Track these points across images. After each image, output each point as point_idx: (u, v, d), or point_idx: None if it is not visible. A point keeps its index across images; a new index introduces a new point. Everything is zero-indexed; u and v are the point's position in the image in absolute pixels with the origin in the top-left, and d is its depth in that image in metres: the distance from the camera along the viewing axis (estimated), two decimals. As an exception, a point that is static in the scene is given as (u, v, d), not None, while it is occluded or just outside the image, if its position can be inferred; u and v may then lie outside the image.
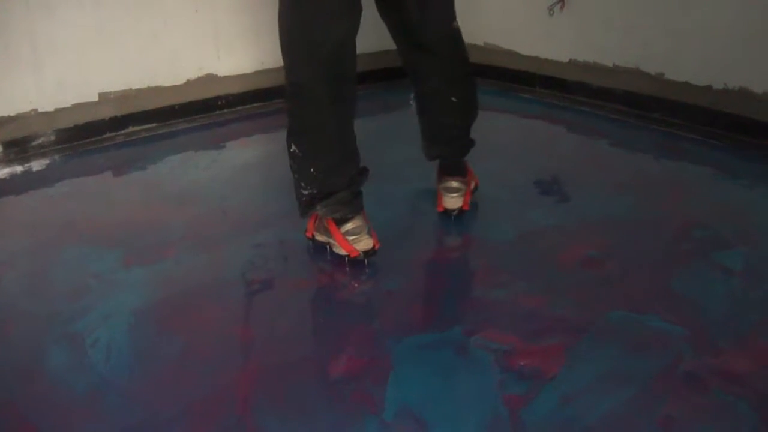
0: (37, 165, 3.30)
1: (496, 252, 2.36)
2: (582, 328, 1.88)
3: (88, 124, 3.57)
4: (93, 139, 3.58)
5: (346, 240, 2.21)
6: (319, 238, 2.35)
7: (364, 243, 2.23)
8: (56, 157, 3.40)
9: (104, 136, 3.61)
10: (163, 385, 1.72)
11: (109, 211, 2.75)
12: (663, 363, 1.73)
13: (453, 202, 2.52)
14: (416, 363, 1.77)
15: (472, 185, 2.64)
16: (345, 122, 2.20)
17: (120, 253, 2.36)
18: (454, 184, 2.51)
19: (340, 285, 2.18)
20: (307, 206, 2.27)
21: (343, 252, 2.23)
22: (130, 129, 3.71)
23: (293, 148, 2.19)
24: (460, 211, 2.54)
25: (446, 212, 2.53)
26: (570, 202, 2.74)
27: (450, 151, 2.56)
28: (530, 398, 1.61)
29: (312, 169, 2.17)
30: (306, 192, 2.22)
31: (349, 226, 2.22)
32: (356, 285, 2.19)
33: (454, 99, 2.42)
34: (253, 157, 3.33)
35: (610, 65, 3.85)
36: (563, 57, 4.10)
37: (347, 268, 2.23)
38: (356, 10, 2.09)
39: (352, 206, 2.23)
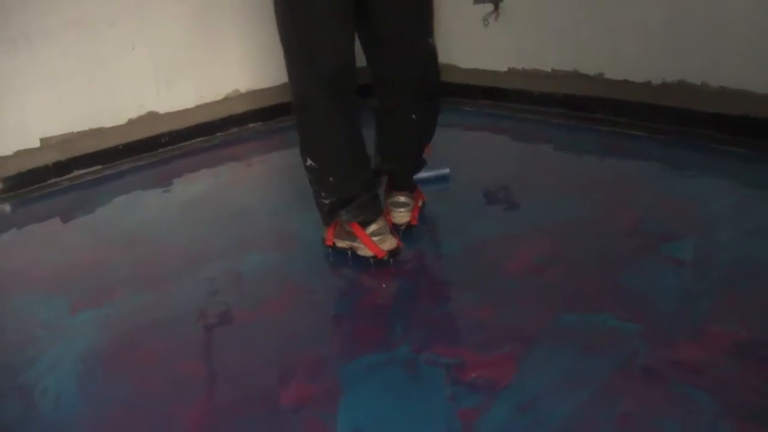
0: (-19, 216, 3.23)
1: (443, 265, 2.36)
2: (533, 335, 1.85)
3: (31, 170, 3.51)
4: (38, 185, 3.52)
5: (373, 241, 2.29)
6: (341, 244, 2.40)
7: (389, 243, 2.30)
8: (1, 206, 3.34)
9: (49, 181, 3.56)
10: (113, 428, 1.68)
11: (57, 258, 2.69)
12: (618, 361, 1.71)
13: (401, 216, 2.52)
14: (366, 385, 1.73)
15: (420, 201, 2.64)
16: (355, 130, 2.28)
17: (67, 299, 2.31)
18: (402, 198, 2.52)
19: (288, 313, 2.13)
20: (329, 214, 2.38)
21: (369, 253, 2.31)
22: (75, 173, 3.65)
23: (309, 162, 2.28)
24: (408, 226, 2.53)
25: (394, 227, 2.50)
26: (517, 209, 2.72)
27: (400, 168, 2.54)
28: (484, 410, 1.58)
29: (331, 179, 2.27)
30: (327, 201, 2.33)
31: (373, 227, 2.30)
32: (304, 311, 2.14)
33: (413, 116, 2.39)
34: (199, 192, 3.29)
35: (549, 70, 3.87)
36: (502, 66, 4.12)
37: (297, 293, 2.21)
38: (351, 24, 2.14)
39: (373, 208, 2.33)
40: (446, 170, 3.05)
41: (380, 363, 1.80)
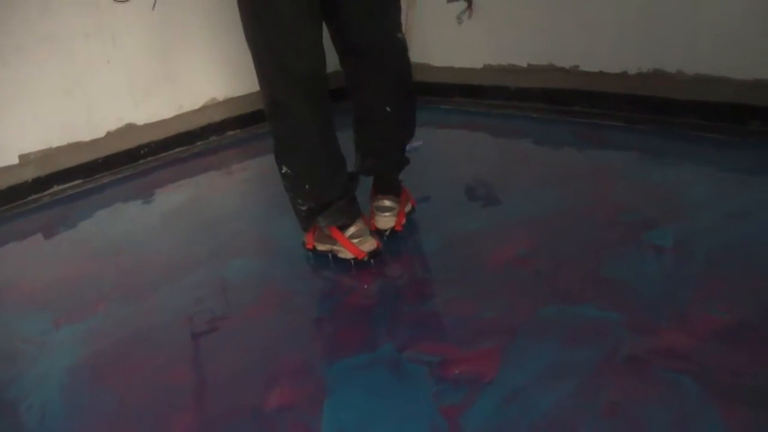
0: (-37, 235, 3.21)
1: (424, 263, 2.36)
2: (515, 328, 1.85)
3: (11, 188, 3.49)
4: (18, 202, 3.50)
5: (352, 243, 2.29)
6: (321, 247, 2.40)
7: (369, 244, 2.31)
8: (-18, 225, 3.32)
9: (29, 198, 3.54)
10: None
11: (39, 273, 2.68)
12: (602, 350, 1.71)
13: (385, 221, 2.48)
14: (350, 386, 1.73)
15: (408, 206, 2.61)
16: (328, 133, 2.26)
17: (50, 314, 2.30)
18: (387, 202, 2.48)
19: (271, 317, 2.12)
20: (307, 220, 2.35)
21: (349, 256, 2.31)
22: (55, 188, 3.64)
23: (284, 169, 2.26)
24: (392, 231, 2.49)
25: (378, 232, 2.48)
26: (498, 204, 2.72)
27: (382, 165, 2.50)
28: (469, 405, 1.57)
29: (307, 186, 2.25)
30: (304, 207, 2.30)
31: (352, 230, 2.31)
32: (287, 315, 2.13)
33: (388, 109, 2.37)
34: (180, 201, 3.28)
35: (525, 65, 3.88)
36: (477, 63, 4.13)
37: (279, 298, 2.20)
38: (318, 29, 2.14)
39: (351, 212, 2.32)
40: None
41: (363, 364, 1.80)
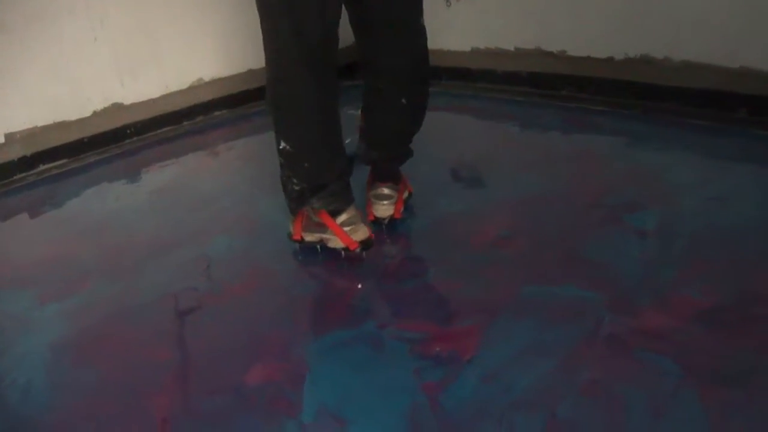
0: (-52, 213, 3.21)
1: (408, 243, 2.36)
2: (496, 307, 1.86)
3: (-4, 166, 3.48)
4: (3, 181, 3.47)
5: (344, 231, 2.18)
6: (309, 238, 2.30)
7: (361, 233, 2.19)
8: (-32, 203, 3.31)
9: (14, 177, 3.51)
10: (81, 417, 1.67)
11: (25, 252, 2.68)
12: (582, 330, 1.72)
13: (384, 210, 2.40)
14: (332, 361, 1.74)
15: (405, 193, 2.53)
16: (333, 113, 2.15)
17: (35, 292, 2.29)
18: (386, 190, 2.40)
19: (255, 295, 2.13)
20: (298, 202, 2.23)
21: (340, 245, 2.20)
22: (41, 167, 3.60)
23: (282, 144, 2.13)
24: (391, 219, 2.42)
25: (376, 221, 2.41)
26: (482, 186, 2.73)
27: (387, 156, 2.43)
28: (449, 382, 1.59)
29: (306, 164, 2.13)
30: (297, 188, 2.17)
31: (344, 217, 2.19)
32: (270, 293, 2.14)
33: (404, 101, 2.27)
34: (167, 181, 3.28)
35: (512, 49, 3.87)
36: (465, 46, 4.11)
37: (263, 276, 2.21)
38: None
39: (345, 197, 2.20)
40: None
41: (346, 340, 1.81)
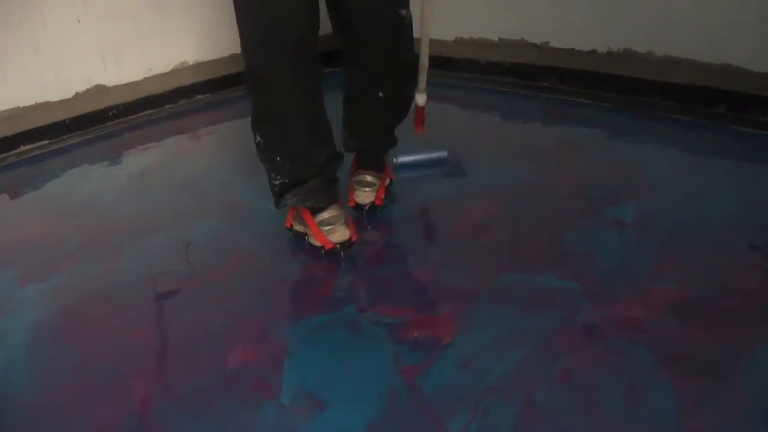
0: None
1: (388, 230, 2.36)
2: (474, 294, 1.87)
3: (-23, 147, 3.45)
4: (-16, 162, 3.46)
5: (321, 231, 2.13)
6: (297, 228, 2.29)
7: (340, 234, 2.13)
8: (-53, 184, 3.28)
9: (-5, 158, 3.50)
10: (62, 397, 1.67)
11: (4, 233, 2.66)
12: (559, 319, 1.74)
13: (365, 196, 2.40)
14: (311, 345, 1.75)
15: (387, 181, 2.54)
16: (310, 105, 2.06)
17: (14, 273, 2.28)
18: (368, 178, 2.40)
19: (235, 279, 2.13)
20: (278, 197, 2.19)
21: (317, 244, 2.15)
22: (22, 148, 3.58)
23: (258, 137, 2.09)
24: (372, 206, 2.42)
25: (357, 207, 2.42)
26: (463, 175, 2.73)
27: (369, 146, 2.43)
28: (426, 367, 1.60)
29: (278, 158, 2.08)
30: (277, 182, 2.14)
31: (323, 215, 2.14)
32: (251, 276, 2.14)
33: (380, 94, 2.23)
34: (148, 164, 3.26)
35: (496, 39, 3.88)
36: (449, 36, 4.11)
37: (243, 260, 2.21)
38: None
39: (326, 194, 2.15)
40: (444, 153, 2.89)
41: (325, 324, 1.82)
